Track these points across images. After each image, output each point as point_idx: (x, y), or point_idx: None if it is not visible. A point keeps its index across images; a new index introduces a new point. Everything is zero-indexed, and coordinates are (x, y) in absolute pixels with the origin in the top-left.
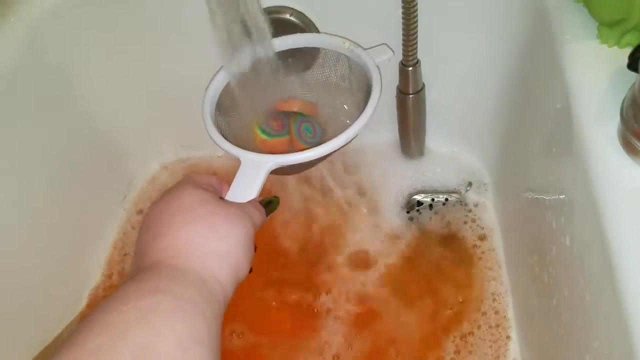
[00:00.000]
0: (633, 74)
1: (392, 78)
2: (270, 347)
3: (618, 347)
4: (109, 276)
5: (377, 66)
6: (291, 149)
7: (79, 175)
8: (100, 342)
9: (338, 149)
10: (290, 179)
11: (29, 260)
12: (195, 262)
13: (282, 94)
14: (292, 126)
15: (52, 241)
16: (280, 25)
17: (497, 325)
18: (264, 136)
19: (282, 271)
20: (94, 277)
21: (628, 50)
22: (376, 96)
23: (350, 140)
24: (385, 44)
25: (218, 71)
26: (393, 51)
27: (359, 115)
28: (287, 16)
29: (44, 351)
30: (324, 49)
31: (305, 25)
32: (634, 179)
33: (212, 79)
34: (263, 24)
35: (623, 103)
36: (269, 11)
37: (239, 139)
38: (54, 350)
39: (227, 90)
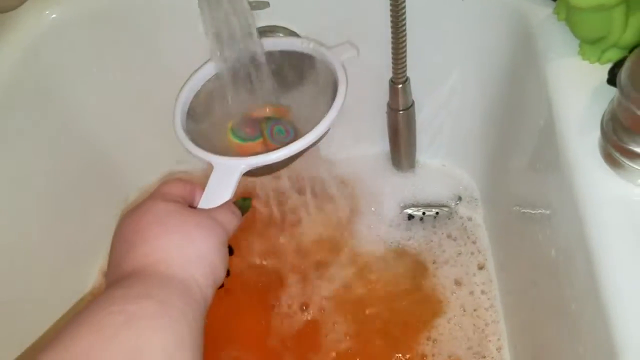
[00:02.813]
0: (613, 88)
1: (382, 94)
2: None
3: (601, 352)
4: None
5: (342, 63)
6: (266, 151)
7: (76, 189)
8: (90, 342)
9: (309, 147)
10: (282, 190)
11: (21, 272)
12: (176, 268)
13: (253, 98)
14: (265, 129)
15: (47, 254)
16: None
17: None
18: (238, 140)
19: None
20: (88, 288)
21: (609, 66)
22: (342, 92)
23: (320, 138)
24: (348, 41)
25: (188, 78)
26: (357, 49)
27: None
28: (280, 35)
29: (30, 348)
30: (289, 51)
31: None
32: (614, 189)
33: (182, 87)
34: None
35: (603, 117)
36: (262, 30)
37: (213, 144)
38: (41, 347)
39: (198, 98)
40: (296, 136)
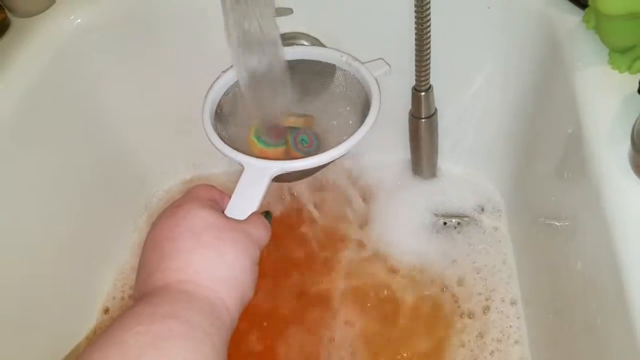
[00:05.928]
0: None
1: (404, 102)
2: None
3: None
4: (122, 292)
5: (376, 79)
6: (288, 158)
7: (97, 194)
8: None
9: (340, 157)
10: (302, 194)
11: (42, 274)
12: (205, 289)
13: (279, 105)
14: (289, 136)
15: (68, 256)
16: None
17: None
18: (261, 145)
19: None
20: (106, 292)
21: (639, 76)
22: (376, 105)
23: (350, 149)
24: (382, 58)
25: (217, 79)
26: (389, 65)
27: (359, 125)
28: (302, 42)
29: None
30: (321, 61)
31: None
32: None
33: (211, 86)
34: (274, 35)
35: (634, 127)
36: (285, 37)
37: (236, 146)
38: None
39: (226, 99)
40: (319, 146)
